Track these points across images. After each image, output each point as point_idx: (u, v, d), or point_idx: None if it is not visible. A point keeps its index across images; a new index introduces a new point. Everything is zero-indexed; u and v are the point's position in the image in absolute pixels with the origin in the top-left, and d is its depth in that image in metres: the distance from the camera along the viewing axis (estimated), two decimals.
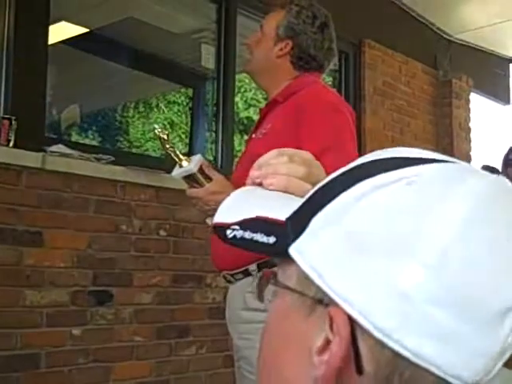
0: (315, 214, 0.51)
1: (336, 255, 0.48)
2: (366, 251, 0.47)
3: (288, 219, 0.55)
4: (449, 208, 0.47)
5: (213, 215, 2.04)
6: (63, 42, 3.47)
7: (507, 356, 0.46)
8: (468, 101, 5.62)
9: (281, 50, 2.12)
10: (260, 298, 0.60)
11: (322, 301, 0.49)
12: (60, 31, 3.40)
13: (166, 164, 1.96)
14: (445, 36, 5.53)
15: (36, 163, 2.71)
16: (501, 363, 0.46)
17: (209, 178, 1.98)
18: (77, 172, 2.86)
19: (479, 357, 0.45)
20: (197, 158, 1.97)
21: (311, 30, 2.10)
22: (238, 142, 4.12)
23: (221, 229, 0.59)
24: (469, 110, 5.62)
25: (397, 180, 0.50)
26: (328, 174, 2.05)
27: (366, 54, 4.76)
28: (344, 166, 2.13)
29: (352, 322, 0.47)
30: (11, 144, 2.66)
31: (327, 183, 0.55)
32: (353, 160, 2.10)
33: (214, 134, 3.95)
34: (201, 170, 1.96)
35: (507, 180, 0.52)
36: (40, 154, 2.73)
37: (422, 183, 0.49)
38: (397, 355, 0.46)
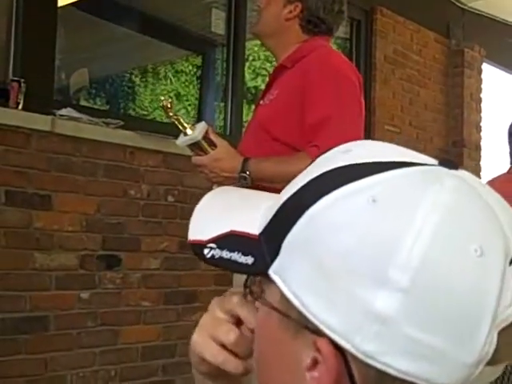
0: (286, 234, 0.51)
1: (312, 281, 0.49)
2: (340, 277, 0.48)
3: (261, 234, 0.55)
4: (414, 227, 0.47)
5: (219, 182, 2.03)
6: (73, 4, 3.43)
7: (485, 363, 0.47)
8: (480, 71, 5.55)
9: (290, 12, 2.09)
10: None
11: (307, 326, 0.50)
12: None
13: (175, 130, 1.95)
14: (458, 4, 5.44)
15: (45, 126, 2.70)
16: (480, 368, 0.47)
17: (213, 145, 1.97)
18: (86, 136, 2.85)
19: (460, 367, 0.47)
20: (201, 126, 1.96)
21: None
22: (246, 113, 4.08)
23: (198, 247, 0.59)
24: (480, 80, 5.56)
25: (360, 193, 0.49)
26: (329, 143, 2.02)
27: (377, 22, 4.70)
28: (347, 134, 2.10)
29: (337, 346, 0.48)
30: (20, 107, 2.65)
31: (292, 196, 0.54)
32: (357, 127, 2.06)
33: (222, 103, 3.92)
34: (205, 137, 1.95)
35: (466, 177, 0.52)
36: (49, 118, 2.72)
37: (385, 200, 0.49)
38: (382, 373, 0.47)
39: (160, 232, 3.11)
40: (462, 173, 0.52)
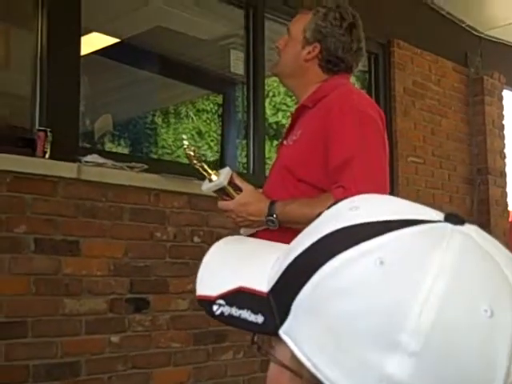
0: (296, 296, 0.52)
1: (323, 343, 0.49)
2: (350, 340, 0.48)
3: (270, 292, 0.55)
4: (423, 292, 0.47)
5: (246, 226, 2.02)
6: (95, 52, 3.52)
7: None
8: (501, 97, 5.55)
9: (309, 53, 2.09)
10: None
11: None
12: (91, 42, 3.45)
13: (199, 173, 1.97)
14: (475, 33, 5.46)
15: (71, 174, 2.75)
16: None
17: (239, 190, 1.98)
18: (111, 181, 2.90)
19: None
20: (225, 171, 1.98)
21: (339, 32, 2.06)
22: (268, 149, 4.11)
23: (207, 303, 0.58)
24: (502, 106, 5.55)
25: (367, 255, 0.50)
26: (355, 183, 2.00)
27: (395, 54, 4.73)
28: (372, 173, 2.09)
29: None
30: (47, 156, 2.70)
31: (301, 256, 0.54)
32: (381, 166, 2.04)
33: (244, 141, 3.96)
34: (230, 182, 1.97)
35: (472, 233, 0.52)
36: (75, 165, 2.77)
37: (392, 262, 0.49)
38: None
39: (187, 273, 3.12)
40: (468, 228, 0.52)
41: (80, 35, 3.04)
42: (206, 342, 3.20)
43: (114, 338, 2.85)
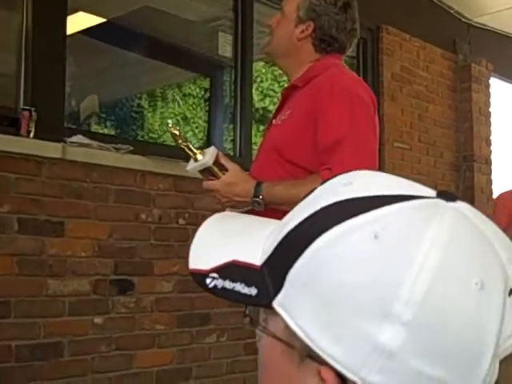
0: (290, 268, 0.52)
1: (318, 314, 0.50)
2: (345, 311, 0.49)
3: (264, 265, 0.55)
4: (417, 263, 0.48)
5: (232, 206, 2.00)
6: (81, 32, 3.48)
7: None
8: (488, 85, 5.55)
9: (302, 32, 2.06)
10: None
11: (312, 356, 0.50)
12: (77, 21, 3.41)
13: (185, 153, 1.96)
14: (463, 20, 5.45)
15: (56, 154, 2.72)
16: None
17: (225, 169, 1.96)
18: (96, 162, 2.88)
19: None
20: (211, 151, 1.95)
21: (333, 10, 2.04)
22: (254, 134, 4.09)
23: (199, 276, 0.58)
24: (489, 94, 5.56)
25: (362, 228, 0.50)
26: (343, 165, 1.97)
27: (383, 40, 4.72)
28: (361, 155, 2.08)
29: (341, 376, 0.49)
30: (31, 135, 2.68)
31: (294, 229, 0.54)
32: (371, 148, 2.03)
33: (231, 125, 3.94)
34: (216, 162, 1.94)
35: (463, 209, 0.52)
36: (60, 145, 2.75)
37: (387, 236, 0.49)
38: None
39: (172, 255, 3.12)
40: (459, 204, 0.53)
41: (66, 14, 3.00)
42: (190, 324, 3.20)
43: (98, 320, 2.85)
